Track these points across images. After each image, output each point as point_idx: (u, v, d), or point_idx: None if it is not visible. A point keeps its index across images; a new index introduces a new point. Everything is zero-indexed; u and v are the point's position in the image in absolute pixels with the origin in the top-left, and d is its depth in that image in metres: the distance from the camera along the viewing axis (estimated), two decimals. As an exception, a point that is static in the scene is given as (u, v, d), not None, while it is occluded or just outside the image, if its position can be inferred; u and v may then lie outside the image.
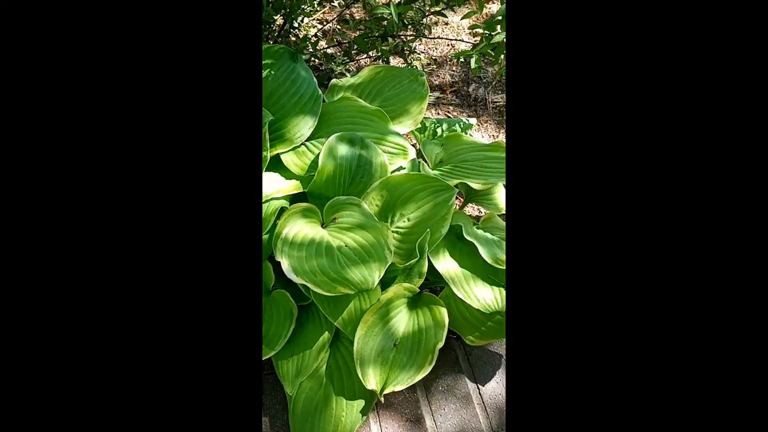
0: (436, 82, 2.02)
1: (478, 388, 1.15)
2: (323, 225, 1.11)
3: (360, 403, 1.05)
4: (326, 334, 1.07)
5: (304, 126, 1.19)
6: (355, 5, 2.11)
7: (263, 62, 1.24)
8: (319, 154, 1.14)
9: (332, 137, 1.15)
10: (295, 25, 1.72)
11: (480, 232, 1.18)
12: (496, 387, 1.14)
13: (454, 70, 2.06)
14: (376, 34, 1.56)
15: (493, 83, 2.02)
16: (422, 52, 2.09)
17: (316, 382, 1.05)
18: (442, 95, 1.98)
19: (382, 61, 1.63)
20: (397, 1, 1.46)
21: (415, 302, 1.12)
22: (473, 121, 1.60)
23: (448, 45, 2.13)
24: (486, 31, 1.34)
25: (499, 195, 1.39)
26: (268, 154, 1.13)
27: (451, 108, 1.95)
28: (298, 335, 1.08)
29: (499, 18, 1.29)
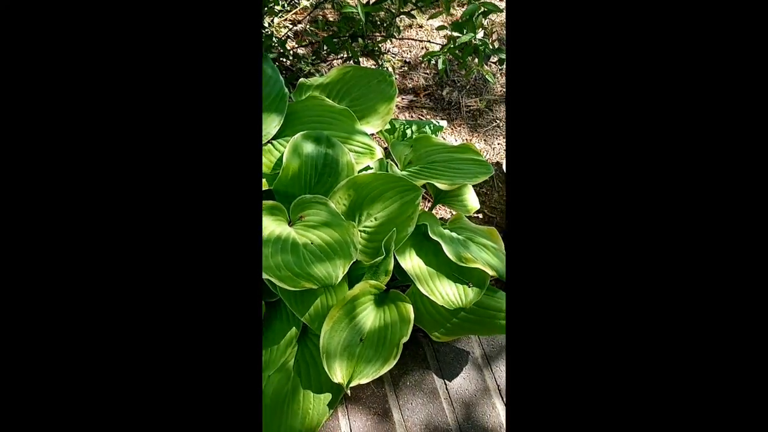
0: (410, 86, 2.11)
1: (445, 383, 1.22)
2: (290, 223, 1.19)
3: (327, 397, 1.11)
4: (293, 330, 1.14)
5: (270, 124, 1.26)
6: (327, 7, 2.20)
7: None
8: (284, 151, 1.22)
9: (297, 135, 1.22)
10: (265, 24, 1.80)
11: (446, 231, 1.26)
12: (462, 383, 1.22)
13: (427, 73, 2.15)
14: (346, 35, 1.64)
15: (467, 87, 2.11)
16: (395, 55, 2.17)
17: (284, 376, 1.12)
18: (415, 98, 2.07)
19: (353, 62, 1.71)
20: (365, 1, 1.55)
21: (382, 300, 1.19)
22: (444, 123, 1.68)
23: (422, 48, 2.22)
24: (453, 33, 1.44)
25: (469, 196, 1.48)
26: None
27: (424, 111, 2.04)
28: (266, 331, 1.14)
29: (465, 19, 1.39)
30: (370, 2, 1.55)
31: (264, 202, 1.17)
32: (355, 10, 1.43)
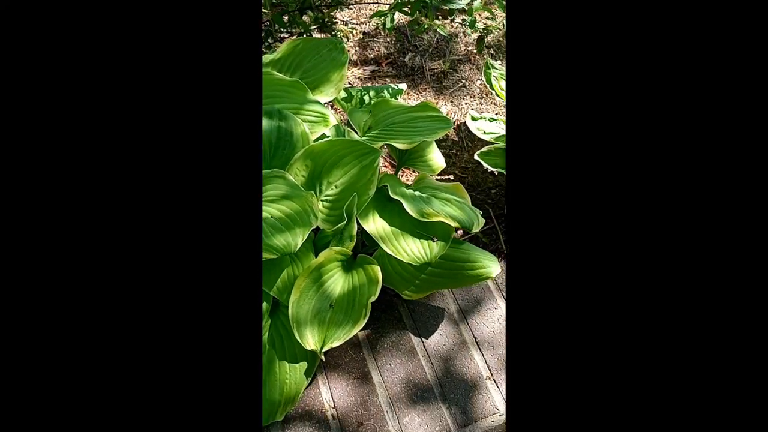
0: (371, 56, 2.14)
1: (422, 341, 1.27)
2: (250, 199, 1.23)
3: (303, 365, 1.16)
4: (264, 305, 1.18)
5: (221, 104, 1.30)
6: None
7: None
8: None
9: (246, 110, 1.26)
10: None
11: (408, 190, 1.30)
12: (439, 339, 1.27)
13: (388, 41, 2.18)
14: (295, 9, 1.67)
15: (430, 50, 2.14)
16: (350, 23, 2.20)
17: (256, 351, 1.17)
18: (377, 68, 2.10)
19: (307, 35, 1.74)
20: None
21: (350, 265, 1.23)
22: (403, 86, 1.71)
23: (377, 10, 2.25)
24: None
25: (433, 155, 1.51)
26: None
27: (388, 80, 2.07)
28: (236, 309, 1.19)
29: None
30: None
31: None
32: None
